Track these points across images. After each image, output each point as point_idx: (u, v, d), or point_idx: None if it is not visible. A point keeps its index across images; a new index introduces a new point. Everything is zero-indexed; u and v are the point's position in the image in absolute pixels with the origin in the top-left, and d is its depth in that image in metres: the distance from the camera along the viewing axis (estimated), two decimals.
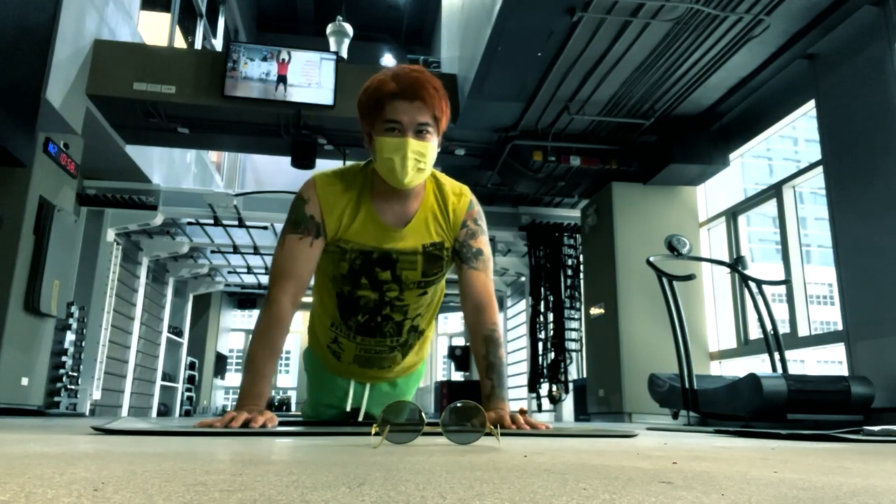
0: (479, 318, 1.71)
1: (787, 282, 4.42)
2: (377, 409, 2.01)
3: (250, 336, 1.68)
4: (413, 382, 2.15)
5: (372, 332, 1.82)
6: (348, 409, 2.02)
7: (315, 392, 2.12)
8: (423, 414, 1.15)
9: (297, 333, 14.78)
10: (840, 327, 4.00)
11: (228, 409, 2.00)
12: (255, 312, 13.19)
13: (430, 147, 1.58)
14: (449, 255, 1.76)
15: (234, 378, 14.20)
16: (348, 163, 1.74)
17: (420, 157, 1.57)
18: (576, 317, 6.99)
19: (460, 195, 1.76)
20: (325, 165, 6.39)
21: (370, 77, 1.62)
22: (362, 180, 1.68)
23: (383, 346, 1.86)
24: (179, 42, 7.73)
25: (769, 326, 3.73)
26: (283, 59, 5.58)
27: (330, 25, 8.29)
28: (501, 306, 10.09)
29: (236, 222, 7.24)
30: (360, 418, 2.01)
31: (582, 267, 6.80)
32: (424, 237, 1.71)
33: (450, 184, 1.78)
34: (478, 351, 1.73)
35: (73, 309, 5.61)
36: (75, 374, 5.86)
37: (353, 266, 1.69)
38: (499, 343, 1.72)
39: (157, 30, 7.15)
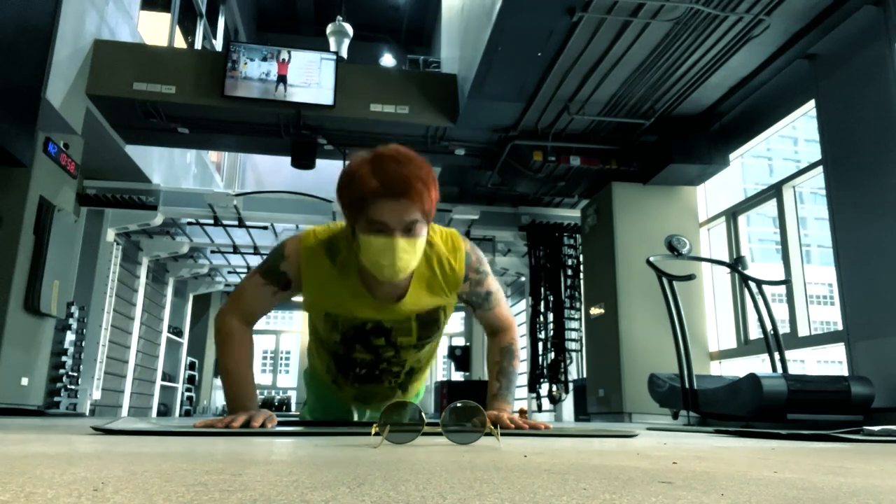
0: (498, 337, 1.79)
1: (787, 282, 4.42)
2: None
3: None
4: (416, 399, 2.15)
5: (370, 381, 1.81)
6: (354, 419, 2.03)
7: (314, 404, 2.12)
8: (423, 414, 1.15)
9: (297, 333, 14.80)
10: (840, 327, 4.00)
11: None
12: None
13: (420, 241, 1.47)
14: (446, 314, 1.72)
15: None
16: (336, 222, 1.62)
17: (408, 255, 1.45)
18: (576, 317, 6.99)
19: (455, 252, 1.64)
20: (325, 165, 6.42)
21: (348, 164, 1.48)
22: (349, 255, 1.55)
23: (382, 388, 1.85)
24: (179, 42, 7.73)
25: (769, 326, 3.73)
26: (283, 59, 5.58)
27: (330, 25, 8.29)
28: None
29: (236, 222, 7.24)
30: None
31: (582, 267, 6.80)
32: (419, 307, 1.63)
33: (441, 240, 1.63)
34: (493, 359, 1.78)
35: (73, 309, 5.61)
36: (75, 374, 5.86)
37: (345, 336, 1.66)
38: (514, 354, 1.78)
39: (157, 30, 7.15)
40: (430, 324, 1.68)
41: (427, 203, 1.43)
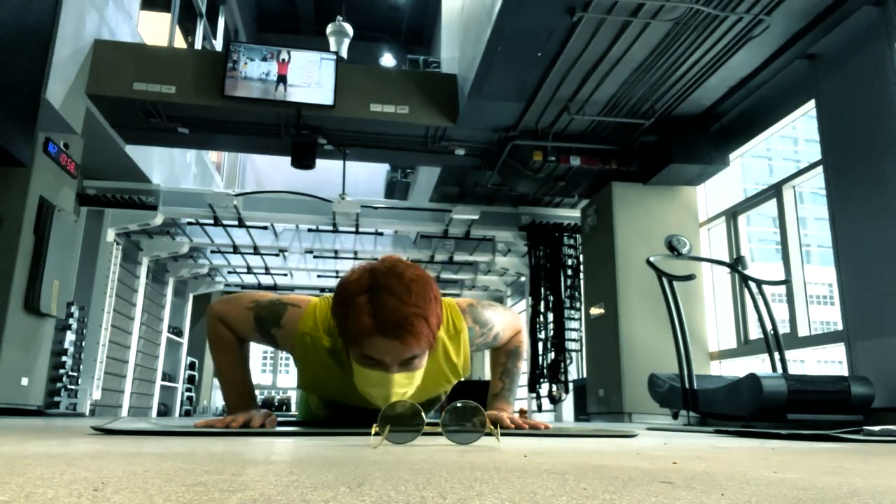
0: (507, 343, 1.78)
1: (787, 282, 4.42)
2: None
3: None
4: None
5: (365, 424, 1.79)
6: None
7: (307, 405, 2.12)
8: (423, 414, 1.15)
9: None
10: (840, 327, 4.00)
11: None
12: None
13: (419, 372, 1.38)
14: (447, 392, 1.68)
15: None
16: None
17: (406, 387, 1.36)
18: (576, 317, 6.99)
19: (457, 337, 1.56)
20: (325, 165, 6.41)
21: (345, 281, 1.34)
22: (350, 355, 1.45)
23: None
24: (179, 42, 7.73)
25: (769, 326, 3.73)
26: (283, 59, 5.58)
27: (330, 25, 8.29)
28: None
29: (236, 222, 7.24)
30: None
31: (582, 267, 6.80)
32: (419, 399, 1.54)
33: (441, 330, 1.49)
34: (498, 359, 1.78)
35: (73, 309, 5.61)
36: (75, 374, 5.86)
37: (340, 410, 1.64)
38: (520, 356, 1.78)
39: (157, 30, 7.15)
40: (430, 405, 1.67)
41: (427, 338, 1.32)
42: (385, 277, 1.30)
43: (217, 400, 12.18)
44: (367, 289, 1.29)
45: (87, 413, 6.40)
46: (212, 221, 7.19)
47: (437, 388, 1.61)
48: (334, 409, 1.68)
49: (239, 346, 1.61)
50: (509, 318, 1.76)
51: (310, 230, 7.94)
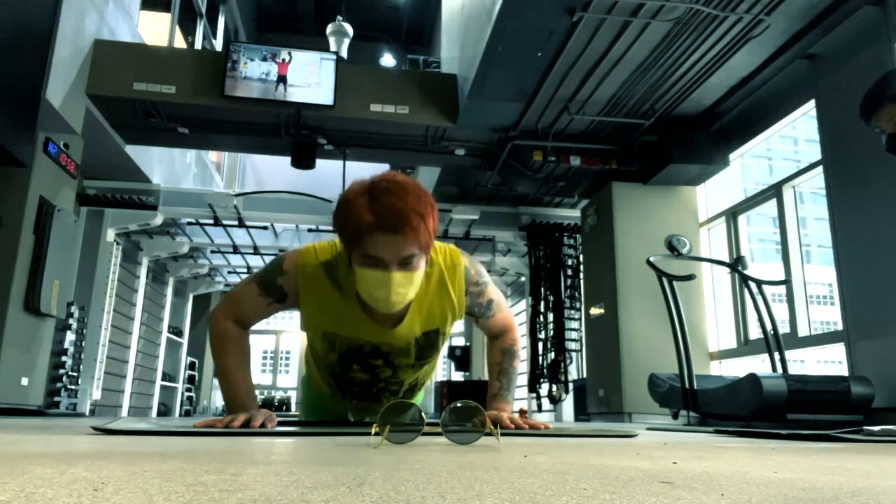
0: (500, 339, 1.79)
1: (787, 282, 4.42)
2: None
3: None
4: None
5: (368, 398, 1.80)
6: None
7: (311, 411, 2.12)
8: (423, 414, 1.15)
9: (297, 333, 14.79)
10: (840, 327, 4.00)
11: None
12: None
13: (418, 273, 1.44)
14: (445, 336, 1.70)
15: None
16: (336, 239, 1.53)
17: (405, 289, 1.43)
18: (576, 317, 6.99)
19: (454, 269, 1.61)
20: (325, 165, 6.42)
21: (345, 192, 1.43)
22: (348, 277, 1.51)
23: (380, 405, 1.82)
24: (179, 42, 7.73)
25: (769, 326, 3.73)
26: (283, 59, 5.58)
27: (330, 25, 8.29)
28: None
29: (236, 222, 7.25)
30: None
31: (582, 267, 6.80)
32: (416, 330, 1.62)
33: (441, 259, 1.59)
34: (493, 359, 1.79)
35: (73, 309, 5.61)
36: (75, 374, 5.86)
37: (343, 356, 1.65)
38: (515, 355, 1.79)
39: (157, 30, 7.15)
40: (428, 347, 1.67)
41: (424, 236, 1.38)
42: (384, 181, 1.39)
43: (217, 400, 12.18)
44: (367, 190, 1.37)
45: (87, 413, 6.40)
46: (212, 221, 7.19)
47: (435, 319, 1.63)
48: (341, 361, 1.67)
49: (240, 346, 1.61)
50: (504, 303, 1.79)
51: (310, 230, 7.94)
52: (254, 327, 1.70)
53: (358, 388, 1.75)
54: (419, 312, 1.58)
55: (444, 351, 11.98)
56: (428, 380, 1.93)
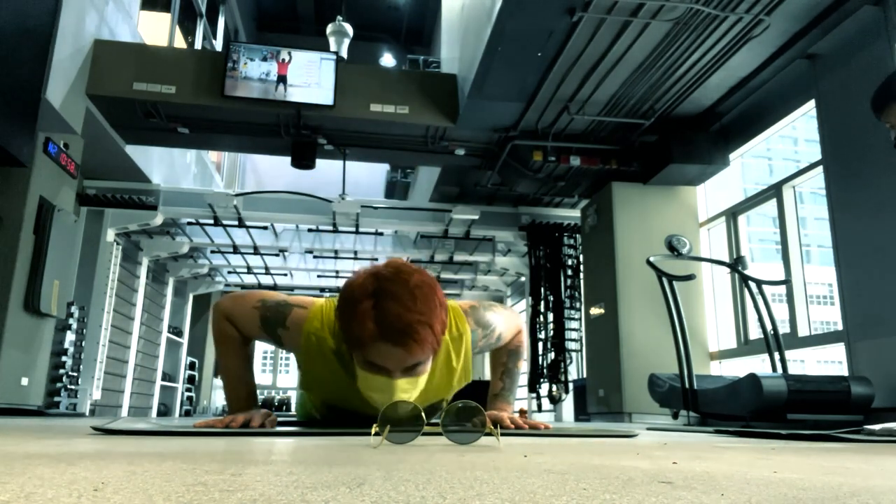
0: (508, 343, 1.78)
1: (787, 282, 4.42)
2: None
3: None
4: None
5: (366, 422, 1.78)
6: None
7: (305, 408, 2.11)
8: (423, 414, 1.15)
9: None
10: (840, 327, 4.00)
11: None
12: None
13: (423, 377, 1.37)
14: (449, 398, 1.66)
15: None
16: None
17: (409, 392, 1.35)
18: (576, 317, 6.99)
19: (459, 339, 1.55)
20: (325, 165, 6.41)
21: (350, 287, 1.33)
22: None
23: None
24: (179, 42, 7.73)
25: (769, 326, 3.73)
26: (283, 59, 5.58)
27: (330, 25, 8.29)
28: None
29: (236, 222, 7.24)
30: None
31: (582, 267, 6.80)
32: (422, 404, 1.51)
33: (447, 333, 1.49)
34: (499, 359, 1.79)
35: (73, 309, 5.61)
36: (75, 374, 5.85)
37: (341, 413, 1.64)
38: (520, 356, 1.79)
39: (157, 30, 7.15)
40: (432, 412, 1.64)
41: (431, 344, 1.31)
42: (389, 283, 1.29)
43: (217, 400, 12.18)
44: (372, 294, 1.28)
45: (87, 413, 6.40)
46: (212, 221, 7.19)
47: (439, 393, 1.60)
48: (334, 412, 1.68)
49: (243, 345, 1.61)
50: (510, 319, 1.76)
51: (310, 230, 7.94)
52: None
53: (357, 419, 1.71)
54: (424, 391, 1.48)
55: None
56: None
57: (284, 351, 1.64)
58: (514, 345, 1.78)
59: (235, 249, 8.26)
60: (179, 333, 9.96)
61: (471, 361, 1.61)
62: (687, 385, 3.42)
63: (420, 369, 1.35)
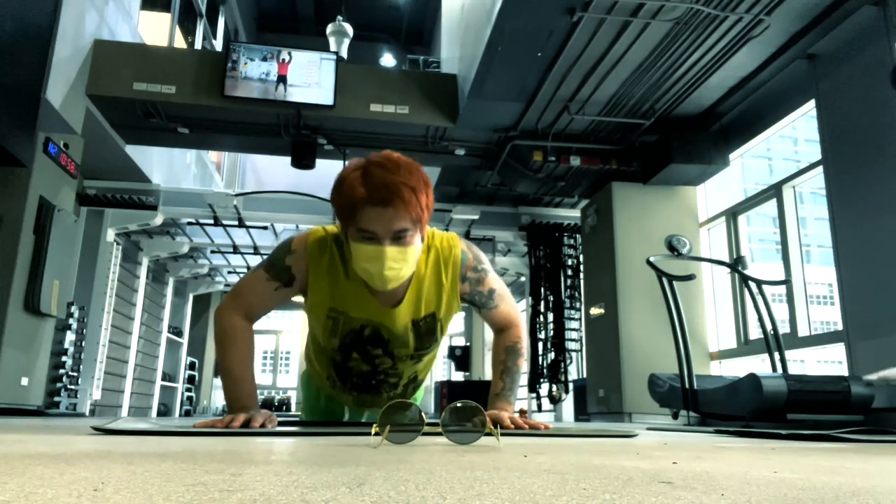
0: (504, 335, 1.76)
1: (787, 282, 4.42)
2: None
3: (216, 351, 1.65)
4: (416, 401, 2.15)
5: (367, 391, 1.80)
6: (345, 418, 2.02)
7: (311, 411, 2.11)
8: (423, 414, 1.15)
9: (297, 333, 14.78)
10: (840, 327, 4.00)
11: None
12: None
13: (412, 249, 1.45)
14: (444, 326, 1.69)
15: None
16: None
17: (399, 264, 1.44)
18: (576, 317, 6.99)
19: (449, 251, 1.63)
20: (325, 165, 6.43)
21: (343, 168, 1.49)
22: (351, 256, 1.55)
23: (380, 398, 1.83)
24: (179, 42, 7.73)
25: (769, 326, 3.72)
26: (283, 59, 5.58)
27: (330, 25, 8.29)
28: None
29: (236, 222, 7.24)
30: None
31: (582, 267, 6.80)
32: (415, 313, 1.62)
33: (439, 244, 1.63)
34: (497, 357, 1.76)
35: (73, 309, 5.61)
36: (75, 374, 5.85)
37: (343, 342, 1.65)
38: (520, 353, 1.75)
39: (157, 30, 7.15)
40: (426, 335, 1.66)
41: (416, 210, 1.40)
42: (377, 156, 1.44)
43: (217, 400, 12.19)
44: (361, 166, 1.42)
45: (87, 413, 6.40)
46: (212, 221, 7.19)
47: (429, 304, 1.62)
48: (342, 348, 1.66)
49: (245, 343, 1.60)
50: (509, 296, 1.76)
51: None
52: (254, 326, 1.70)
53: (357, 378, 1.74)
54: (416, 295, 1.59)
55: (444, 350, 11.99)
56: (426, 376, 1.92)
57: (294, 297, 1.63)
58: (512, 340, 1.75)
59: (235, 249, 8.26)
60: (179, 333, 9.96)
61: (458, 284, 1.63)
62: (687, 385, 3.42)
63: (408, 238, 1.43)
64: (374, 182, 1.37)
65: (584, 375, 6.63)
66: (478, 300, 1.69)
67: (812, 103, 4.43)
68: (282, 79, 5.51)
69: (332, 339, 1.65)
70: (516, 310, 1.80)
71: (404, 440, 1.12)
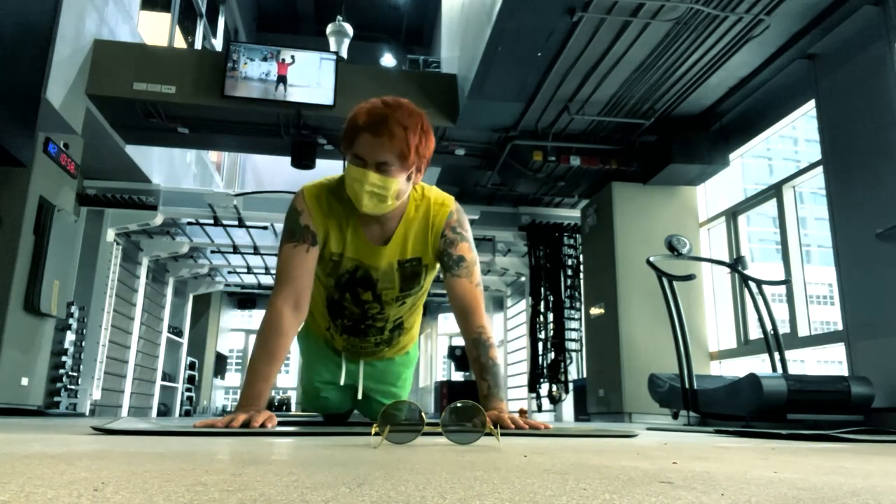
0: (466, 323, 1.74)
1: (787, 282, 4.42)
2: (371, 381, 2.15)
3: (253, 338, 1.76)
4: (408, 361, 2.23)
5: (356, 334, 1.96)
6: (341, 382, 2.11)
7: (309, 369, 2.20)
8: (423, 414, 1.15)
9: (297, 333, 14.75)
10: (840, 327, 4.00)
11: (229, 409, 2.03)
12: (255, 312, 13.19)
13: (393, 182, 1.58)
14: (428, 272, 1.82)
15: (234, 378, 14.19)
16: (336, 174, 1.78)
17: (380, 190, 1.58)
18: (576, 317, 6.99)
19: (440, 206, 1.76)
20: (325, 165, 6.43)
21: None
22: (348, 196, 1.70)
23: (368, 343, 2.00)
24: (179, 42, 7.73)
25: (769, 326, 3.73)
26: (283, 59, 5.58)
27: (330, 25, 8.29)
28: (501, 306, 10.08)
29: (236, 222, 7.24)
30: (360, 396, 2.13)
31: (582, 267, 6.80)
32: (400, 254, 1.75)
33: (434, 197, 1.78)
34: (470, 354, 1.76)
35: (73, 309, 5.61)
36: (75, 374, 5.85)
37: (339, 282, 1.79)
38: (488, 345, 1.71)
39: (157, 30, 7.15)
40: (411, 277, 1.78)
41: (402, 146, 1.54)
42: (389, 98, 1.60)
43: (217, 400, 12.19)
44: (373, 102, 1.59)
45: (87, 413, 6.40)
46: (212, 221, 7.19)
47: (416, 249, 1.75)
48: (337, 286, 1.81)
49: (278, 340, 1.63)
50: (478, 276, 1.81)
51: None
52: (255, 327, 1.73)
53: (349, 321, 1.90)
54: (404, 236, 1.73)
55: (444, 350, 11.91)
56: (414, 327, 2.05)
57: (315, 244, 1.73)
58: (476, 330, 1.70)
59: (235, 249, 8.26)
60: (179, 333, 9.96)
61: (438, 239, 1.75)
62: (687, 385, 3.42)
63: (391, 171, 1.57)
64: (373, 114, 1.54)
65: (584, 375, 6.63)
66: (446, 261, 1.75)
67: (812, 103, 4.43)
68: (282, 79, 5.51)
69: (329, 278, 1.80)
70: (480, 293, 1.78)
71: (404, 440, 1.12)
